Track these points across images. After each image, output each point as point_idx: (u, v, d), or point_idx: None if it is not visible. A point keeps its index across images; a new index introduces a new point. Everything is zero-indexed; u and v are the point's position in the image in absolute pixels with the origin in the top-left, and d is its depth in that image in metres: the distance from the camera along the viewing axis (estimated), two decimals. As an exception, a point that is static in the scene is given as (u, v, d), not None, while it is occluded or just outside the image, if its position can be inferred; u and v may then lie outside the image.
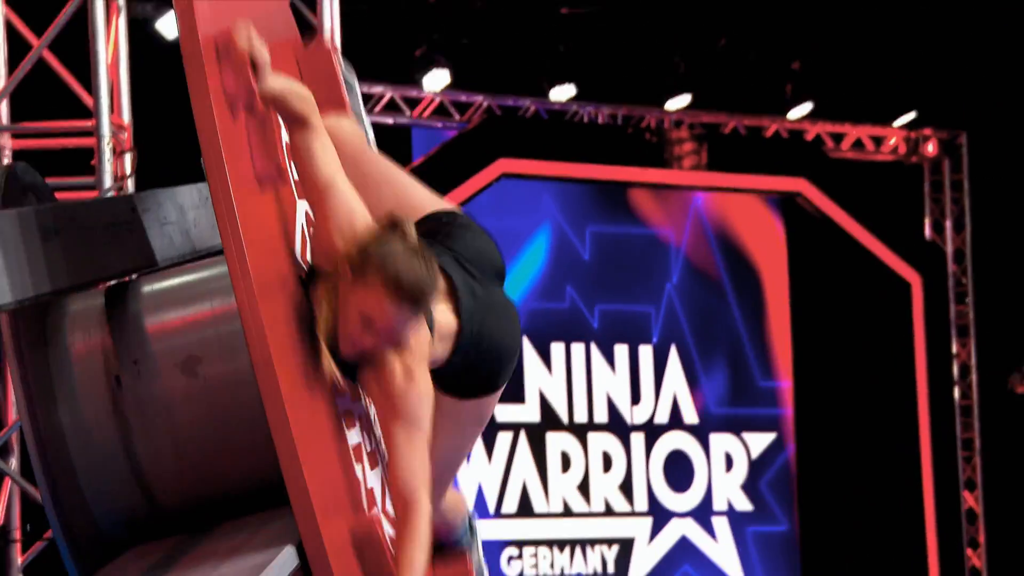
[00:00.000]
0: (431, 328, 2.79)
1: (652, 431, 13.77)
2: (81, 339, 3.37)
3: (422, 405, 2.67)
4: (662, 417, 13.90)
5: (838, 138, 14.01)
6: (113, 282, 3.68)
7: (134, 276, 3.67)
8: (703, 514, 13.91)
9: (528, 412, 13.18)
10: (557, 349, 13.38)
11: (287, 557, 2.50)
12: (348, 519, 2.85)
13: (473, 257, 3.07)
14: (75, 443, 3.26)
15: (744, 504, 14.11)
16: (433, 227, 3.08)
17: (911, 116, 13.98)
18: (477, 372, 3.05)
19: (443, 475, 3.22)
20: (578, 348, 13.56)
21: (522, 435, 13.22)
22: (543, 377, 13.41)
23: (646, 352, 13.92)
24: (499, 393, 3.13)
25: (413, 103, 13.91)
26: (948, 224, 14.37)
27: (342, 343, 2.70)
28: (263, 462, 2.81)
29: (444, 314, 2.84)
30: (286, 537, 2.58)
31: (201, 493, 3.31)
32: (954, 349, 14.60)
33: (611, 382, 13.70)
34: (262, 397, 2.40)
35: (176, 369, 3.23)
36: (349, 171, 2.99)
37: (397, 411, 2.67)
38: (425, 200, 3.25)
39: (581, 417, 13.51)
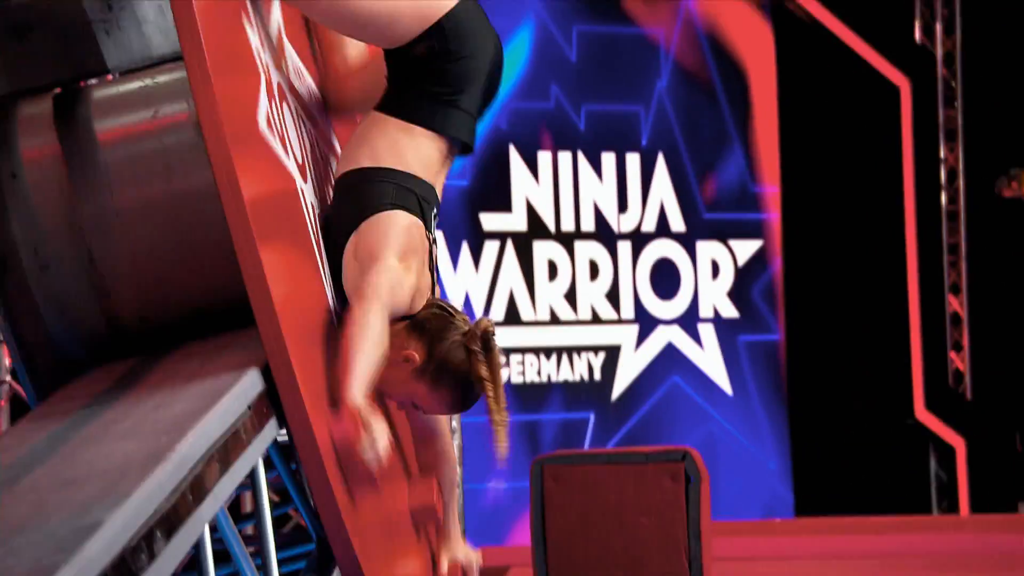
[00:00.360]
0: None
1: (639, 239, 13.70)
2: (34, 146, 3.36)
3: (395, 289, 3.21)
4: (649, 225, 13.86)
5: (829, -57, 12.70)
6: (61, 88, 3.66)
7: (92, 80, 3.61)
8: (689, 322, 14.04)
9: (515, 221, 13.15)
10: (544, 157, 13.22)
11: (251, 381, 2.63)
12: (319, 342, 3.13)
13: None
14: (29, 258, 3.26)
15: (731, 311, 14.24)
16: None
17: (901, -80, 12.80)
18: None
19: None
20: (565, 156, 13.40)
21: (509, 244, 13.10)
22: (530, 186, 13.26)
23: (633, 160, 13.70)
24: None
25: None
26: (938, 27, 14.15)
27: (386, 387, 3.31)
28: (228, 278, 2.95)
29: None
30: (251, 360, 2.70)
31: (163, 310, 3.34)
32: (942, 154, 14.50)
33: (598, 190, 13.67)
34: (225, 210, 2.60)
35: (134, 180, 3.30)
36: None
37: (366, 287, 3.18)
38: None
39: (568, 226, 13.44)
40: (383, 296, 3.23)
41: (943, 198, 13.92)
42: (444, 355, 3.29)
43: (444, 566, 3.81)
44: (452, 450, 3.98)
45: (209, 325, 3.18)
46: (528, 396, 13.32)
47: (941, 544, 10.56)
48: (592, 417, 13.46)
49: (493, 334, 3.30)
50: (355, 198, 3.38)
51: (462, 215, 13.29)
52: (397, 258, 3.25)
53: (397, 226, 3.27)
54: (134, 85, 3.53)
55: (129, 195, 3.26)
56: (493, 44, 3.57)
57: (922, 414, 13.84)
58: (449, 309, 3.42)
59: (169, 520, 1.99)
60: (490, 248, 12.90)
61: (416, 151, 3.39)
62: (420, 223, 3.37)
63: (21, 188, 3.29)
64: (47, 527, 1.79)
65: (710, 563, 7.04)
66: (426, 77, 3.41)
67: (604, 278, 13.49)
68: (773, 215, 13.92)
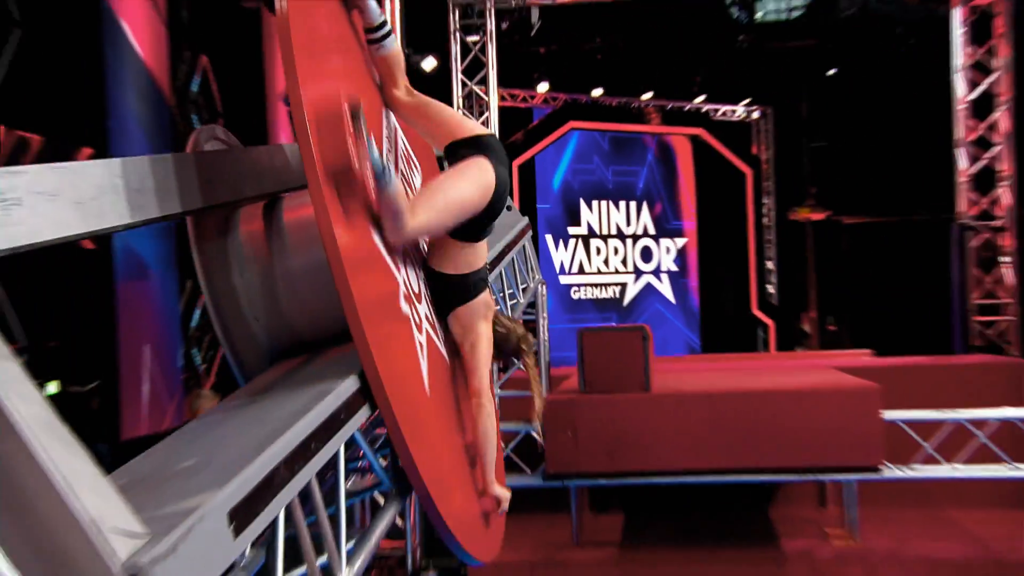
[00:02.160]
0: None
1: (636, 237, 21.82)
2: (247, 230, 3.94)
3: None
4: (640, 230, 21.44)
5: None
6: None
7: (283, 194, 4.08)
8: (657, 273, 21.70)
9: (581, 229, 21.03)
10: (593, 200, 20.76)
11: (352, 381, 3.23)
12: (403, 357, 3.68)
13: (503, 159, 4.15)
14: (243, 294, 3.93)
15: (674, 269, 21.83)
16: (480, 141, 4.19)
17: None
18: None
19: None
20: (601, 202, 21.32)
21: (580, 240, 20.94)
22: (587, 212, 20.72)
23: (633, 202, 21.81)
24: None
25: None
26: (764, 145, 22.40)
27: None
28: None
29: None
30: (355, 367, 3.28)
31: (317, 329, 3.98)
32: (764, 200, 22.27)
33: (616, 214, 21.23)
34: (335, 280, 3.19)
35: (301, 250, 3.86)
36: (422, 119, 4.34)
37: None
38: (472, 126, 4.38)
39: (605, 231, 21.19)
40: (487, 361, 4.41)
41: (764, 220, 21.71)
42: (503, 346, 4.51)
43: (492, 489, 4.39)
44: (491, 408, 4.30)
45: (342, 338, 3.43)
46: (584, 308, 20.67)
47: (763, 364, 15.84)
48: (615, 317, 21.07)
49: (527, 336, 4.55)
50: (451, 292, 4.32)
51: (557, 225, 20.07)
52: (483, 322, 4.37)
53: (478, 304, 4.32)
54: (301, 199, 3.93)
55: (299, 259, 3.87)
56: (509, 176, 4.16)
57: (756, 311, 22.36)
58: (505, 323, 4.52)
59: (301, 457, 2.79)
60: (572, 241, 20.56)
61: (475, 254, 4.26)
62: (485, 293, 4.34)
63: (240, 252, 3.90)
64: (238, 444, 2.77)
65: (652, 376, 10.06)
66: (478, 219, 4.10)
67: (620, 254, 21.09)
68: (691, 225, 21.98)
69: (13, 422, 2.29)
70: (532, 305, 10.74)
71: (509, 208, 7.84)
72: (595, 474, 9.92)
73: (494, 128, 14.69)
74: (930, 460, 9.81)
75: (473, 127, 4.17)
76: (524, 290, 9.67)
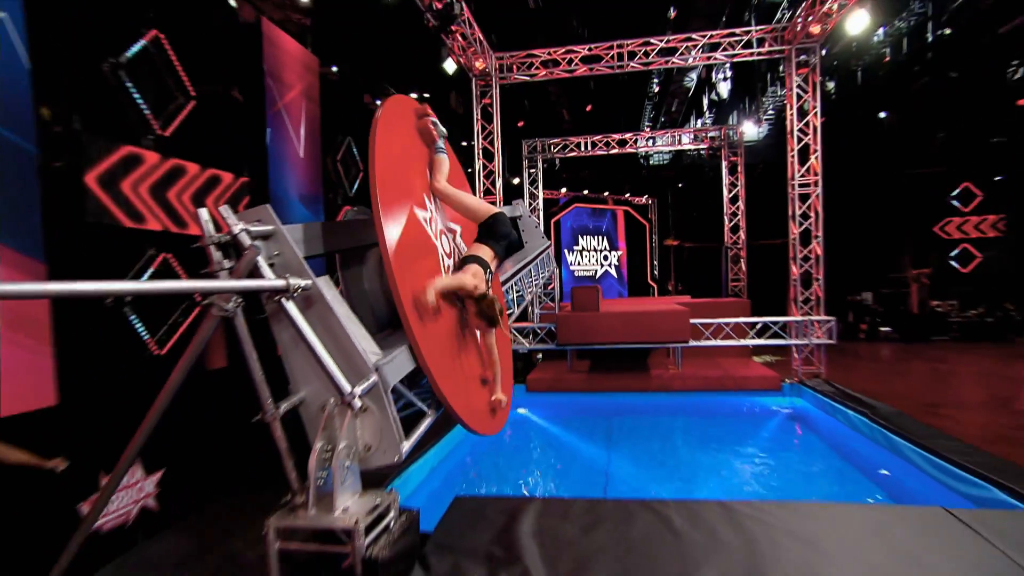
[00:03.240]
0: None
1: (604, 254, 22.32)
2: (372, 259, 3.12)
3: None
4: (604, 247, 20.69)
5: None
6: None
7: None
8: (610, 262, 21.42)
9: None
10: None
11: (404, 353, 2.58)
12: (438, 337, 2.83)
13: (508, 236, 3.19)
14: (371, 295, 3.10)
15: (616, 262, 21.81)
16: (488, 223, 3.19)
17: None
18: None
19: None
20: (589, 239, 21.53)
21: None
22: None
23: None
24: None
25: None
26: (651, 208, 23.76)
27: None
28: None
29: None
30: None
31: (389, 318, 3.09)
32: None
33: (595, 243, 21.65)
34: (395, 297, 2.52)
35: (372, 276, 3.05)
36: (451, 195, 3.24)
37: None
38: (486, 210, 3.27)
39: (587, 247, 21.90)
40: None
41: (653, 244, 21.50)
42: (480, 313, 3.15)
43: (496, 397, 3.30)
44: (496, 353, 3.34)
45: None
46: (580, 280, 18.91)
47: (647, 301, 12.72)
48: (591, 282, 19.28)
49: (493, 301, 3.13)
50: (471, 261, 3.14)
51: (569, 244, 19.08)
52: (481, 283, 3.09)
53: (478, 269, 3.10)
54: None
55: (374, 280, 3.09)
56: (512, 238, 3.26)
57: (649, 281, 20.20)
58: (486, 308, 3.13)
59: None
60: (575, 253, 19.15)
61: (487, 253, 3.16)
62: (487, 271, 3.13)
63: (365, 273, 3.07)
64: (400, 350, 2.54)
65: (601, 305, 9.29)
66: (490, 232, 3.19)
67: (594, 258, 19.59)
68: (623, 247, 20.03)
69: (328, 302, 2.53)
70: (548, 283, 10.40)
71: (544, 237, 8.34)
72: (577, 343, 9.46)
73: (540, 207, 14.26)
74: (706, 338, 9.69)
75: (487, 210, 3.31)
76: (549, 274, 9.53)
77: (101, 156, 4.36)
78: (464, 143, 10.71)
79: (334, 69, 7.84)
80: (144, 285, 2.02)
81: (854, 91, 16.46)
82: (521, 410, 9.14)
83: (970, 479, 4.54)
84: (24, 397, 3.90)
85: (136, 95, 4.77)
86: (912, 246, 15.91)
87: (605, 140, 13.55)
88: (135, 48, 4.67)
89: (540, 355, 10.65)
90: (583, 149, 13.73)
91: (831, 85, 16.85)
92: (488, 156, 9.69)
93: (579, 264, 19.24)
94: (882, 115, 16.34)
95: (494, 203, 9.17)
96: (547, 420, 8.67)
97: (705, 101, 20.04)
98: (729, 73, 18.00)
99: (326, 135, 7.29)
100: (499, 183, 9.65)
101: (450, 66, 8.88)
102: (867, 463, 6.03)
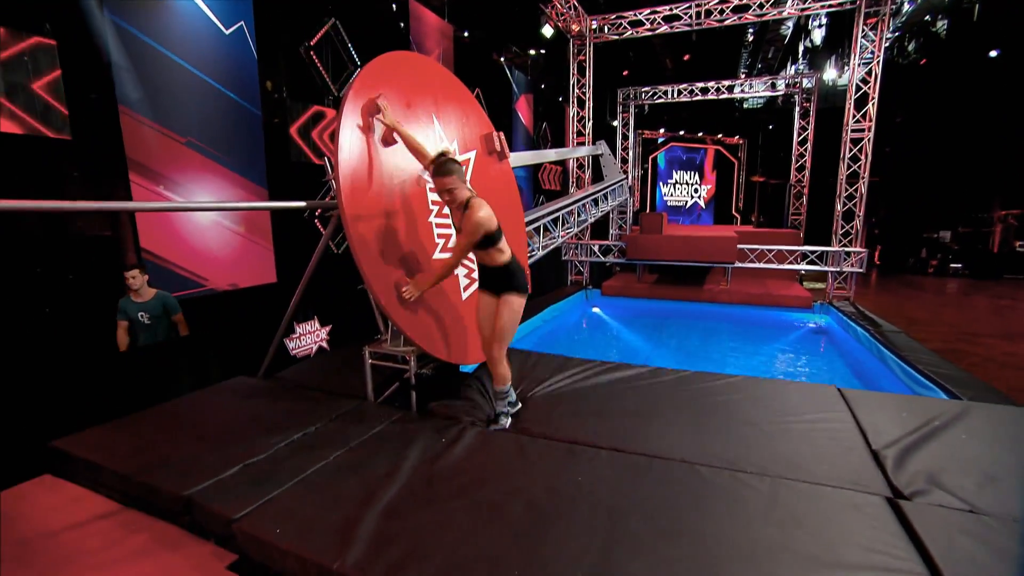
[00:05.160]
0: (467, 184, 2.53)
1: None
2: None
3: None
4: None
5: None
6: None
7: None
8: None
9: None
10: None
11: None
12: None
13: None
14: None
15: None
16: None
17: None
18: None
19: None
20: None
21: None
22: None
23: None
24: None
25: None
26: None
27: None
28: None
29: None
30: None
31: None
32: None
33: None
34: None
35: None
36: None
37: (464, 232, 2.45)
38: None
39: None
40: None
41: (740, 181, 19.60)
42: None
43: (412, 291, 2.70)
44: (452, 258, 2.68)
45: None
46: (671, 209, 18.24)
47: (715, 227, 12.00)
48: (683, 211, 19.12)
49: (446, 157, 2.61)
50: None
51: (664, 178, 18.93)
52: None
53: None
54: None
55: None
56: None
57: (734, 212, 19.77)
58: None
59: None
60: (668, 185, 19.32)
61: (501, 251, 2.60)
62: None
63: None
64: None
65: (665, 228, 8.83)
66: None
67: (684, 191, 19.06)
68: (711, 185, 18.56)
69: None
70: (623, 209, 10.51)
71: (621, 172, 8.44)
72: (641, 259, 9.26)
73: (631, 146, 13.63)
74: (750, 261, 9.33)
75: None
76: (623, 201, 9.75)
77: (299, 114, 5.03)
78: (561, 99, 10.98)
79: (465, 34, 8.00)
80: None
81: (967, 29, 14.27)
82: (595, 309, 9.51)
83: (925, 383, 4.54)
84: (258, 276, 4.57)
85: (320, 67, 5.15)
86: (1003, 187, 14.21)
87: (690, 88, 13.05)
88: (320, 33, 5.11)
89: (617, 267, 10.84)
90: (670, 96, 13.26)
91: (941, 24, 14.50)
92: (581, 104, 9.65)
93: (671, 195, 18.45)
94: (993, 53, 14.30)
95: (583, 144, 9.50)
96: (613, 317, 9.05)
97: (800, 48, 17.85)
98: (824, 20, 15.97)
99: (460, 88, 8.54)
100: (589, 126, 9.63)
101: (547, 31, 9.14)
102: (860, 367, 6.05)
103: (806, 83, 12.68)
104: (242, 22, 4.59)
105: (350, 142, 2.51)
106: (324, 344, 3.34)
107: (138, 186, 3.72)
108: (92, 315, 3.47)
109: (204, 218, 4.16)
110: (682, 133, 18.32)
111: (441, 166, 2.50)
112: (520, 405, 2.86)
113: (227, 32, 4.36)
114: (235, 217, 4.48)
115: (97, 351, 3.36)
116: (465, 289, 3.20)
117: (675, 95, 13.03)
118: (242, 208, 2.58)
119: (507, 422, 2.73)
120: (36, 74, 3.22)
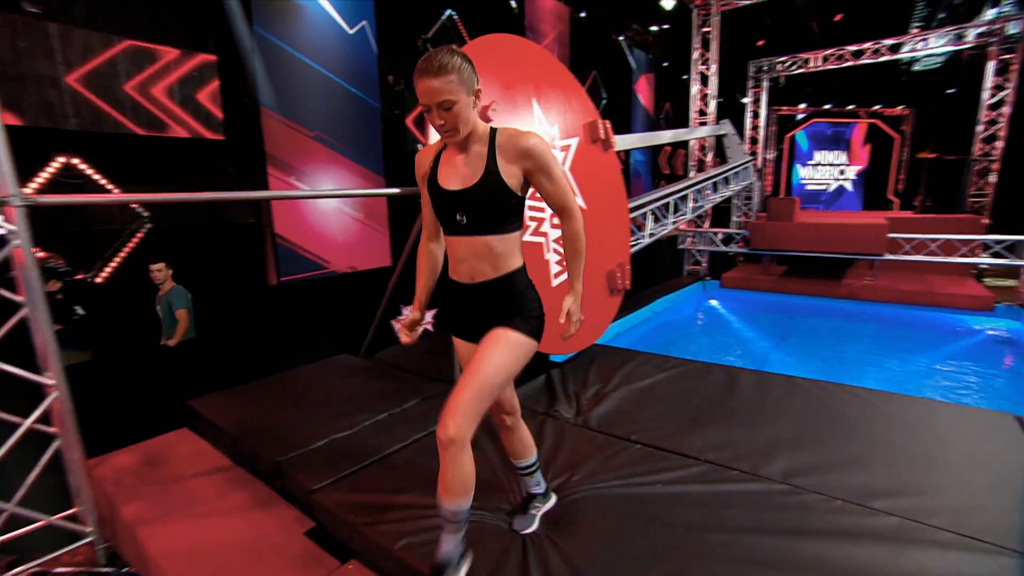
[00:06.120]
0: None
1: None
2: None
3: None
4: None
5: None
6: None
7: None
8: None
9: None
10: None
11: None
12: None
13: None
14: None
15: None
16: None
17: None
18: None
19: None
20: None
21: None
22: None
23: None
24: None
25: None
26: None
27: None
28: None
29: None
30: None
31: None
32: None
33: None
34: None
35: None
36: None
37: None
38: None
39: None
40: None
41: (903, 158, 17.33)
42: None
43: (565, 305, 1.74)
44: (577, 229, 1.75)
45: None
46: (808, 194, 16.38)
47: (858, 213, 11.13)
48: (824, 195, 16.90)
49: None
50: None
51: (803, 160, 17.28)
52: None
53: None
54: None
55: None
56: None
57: (890, 196, 17.48)
58: None
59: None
60: (808, 167, 17.40)
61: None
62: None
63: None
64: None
65: (796, 216, 8.80)
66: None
67: (829, 172, 18.11)
68: (861, 164, 16.33)
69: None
70: (748, 194, 9.93)
71: (747, 153, 7.79)
72: (767, 249, 8.67)
73: (763, 125, 12.08)
74: (905, 252, 8.23)
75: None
76: (747, 185, 8.77)
77: (414, 106, 5.13)
78: (685, 76, 10.43)
79: (582, 14, 7.86)
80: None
81: None
82: (712, 302, 9.07)
83: None
84: (375, 259, 4.79)
85: (436, 59, 5.78)
86: None
87: (838, 53, 11.18)
88: (436, 25, 5.45)
89: (741, 258, 10.25)
90: (812, 65, 11.57)
91: None
92: (704, 81, 9.05)
93: (811, 178, 16.95)
94: None
95: (705, 123, 8.85)
96: (730, 311, 8.59)
97: (1004, -14, 14.98)
98: (1037, -56, 13.20)
99: (575, 70, 8.08)
100: (712, 104, 8.97)
101: (668, 2, 8.42)
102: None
103: (1011, 28, 10.07)
104: (364, 21, 5.00)
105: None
106: (429, 327, 3.42)
107: (274, 178, 4.08)
108: (235, 292, 3.81)
109: (328, 205, 4.39)
110: (828, 107, 16.46)
111: (431, 57, 1.46)
112: (554, 499, 2.08)
113: (351, 32, 4.58)
114: (355, 204, 4.73)
115: (236, 325, 3.74)
116: (555, 276, 3.05)
117: (820, 63, 11.54)
118: (339, 195, 2.77)
119: (537, 517, 1.94)
120: (201, 85, 3.65)
